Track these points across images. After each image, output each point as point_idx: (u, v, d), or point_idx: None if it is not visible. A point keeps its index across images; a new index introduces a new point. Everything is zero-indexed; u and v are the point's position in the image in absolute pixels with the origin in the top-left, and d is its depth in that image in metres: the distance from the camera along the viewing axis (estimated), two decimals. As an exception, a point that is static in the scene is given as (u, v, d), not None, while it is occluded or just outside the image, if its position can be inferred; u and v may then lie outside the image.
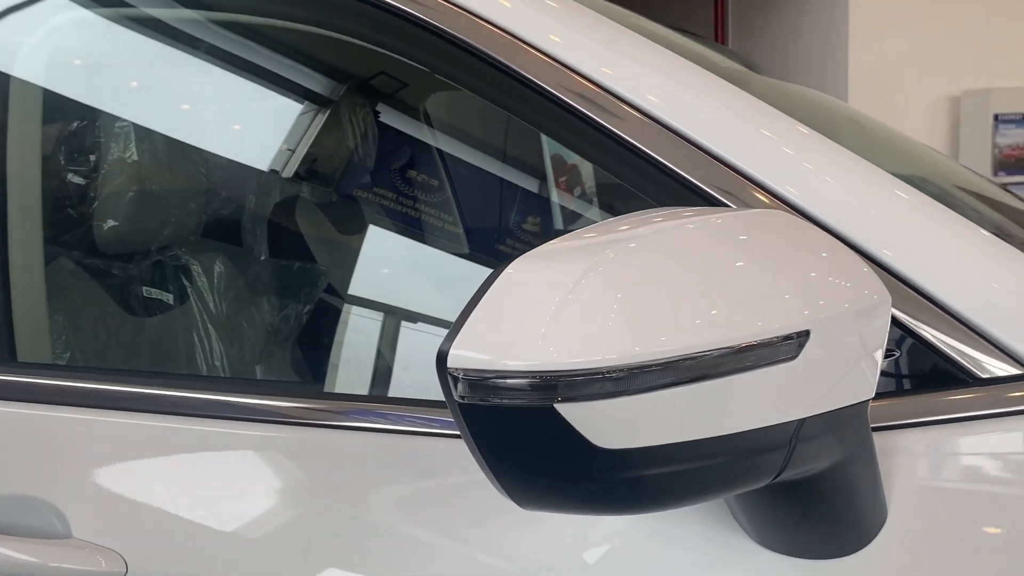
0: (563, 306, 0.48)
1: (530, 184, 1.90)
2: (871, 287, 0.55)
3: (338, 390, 1.27)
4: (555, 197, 2.00)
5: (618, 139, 0.74)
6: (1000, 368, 0.65)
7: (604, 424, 0.48)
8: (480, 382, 0.49)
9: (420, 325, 1.33)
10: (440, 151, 1.61)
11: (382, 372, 1.29)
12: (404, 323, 1.33)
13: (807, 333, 0.50)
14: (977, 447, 0.65)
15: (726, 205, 0.71)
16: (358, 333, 1.30)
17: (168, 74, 1.43)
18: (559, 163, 2.34)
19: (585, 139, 0.76)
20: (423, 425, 0.77)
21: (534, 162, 2.01)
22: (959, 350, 0.66)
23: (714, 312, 0.49)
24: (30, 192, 1.09)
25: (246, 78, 1.46)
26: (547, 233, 1.76)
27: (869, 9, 4.22)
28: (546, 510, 0.54)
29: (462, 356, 0.49)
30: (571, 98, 0.76)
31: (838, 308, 0.52)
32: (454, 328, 0.51)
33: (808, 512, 0.61)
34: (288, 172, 1.48)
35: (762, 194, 0.71)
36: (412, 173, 1.52)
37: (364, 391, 1.29)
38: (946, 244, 0.69)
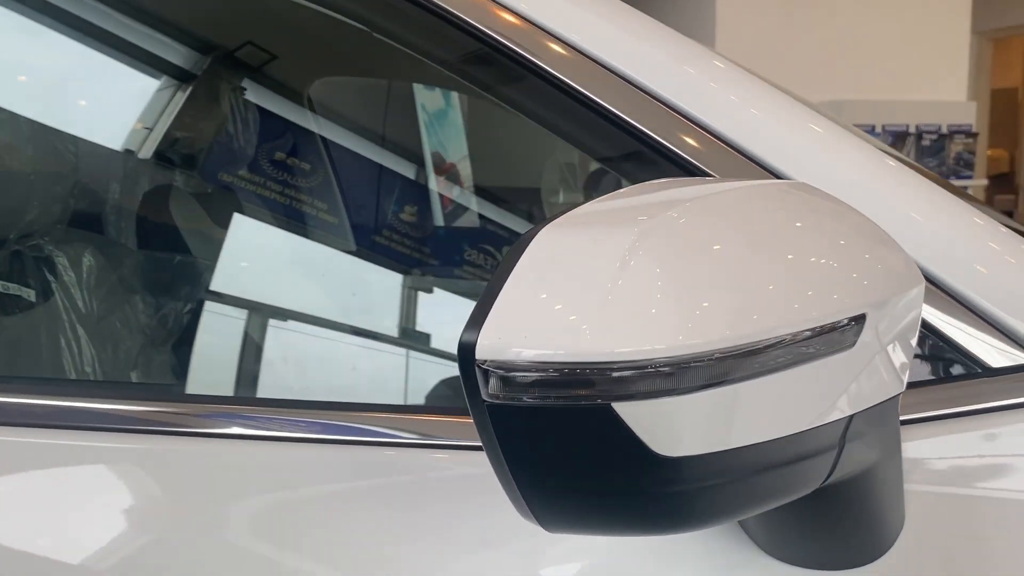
0: (615, 283, 0.40)
1: (409, 175, 1.82)
2: (909, 270, 0.50)
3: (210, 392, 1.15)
4: (434, 187, 1.93)
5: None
6: (1009, 356, 0.62)
7: (669, 426, 0.41)
8: (518, 377, 0.40)
9: (297, 322, 1.23)
10: (314, 133, 1.51)
11: (256, 372, 1.18)
12: (279, 320, 1.23)
13: (863, 318, 0.45)
14: (993, 442, 0.61)
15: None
16: (230, 332, 1.19)
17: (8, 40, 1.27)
18: (439, 161, 2.28)
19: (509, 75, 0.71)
20: (301, 430, 0.68)
21: (414, 155, 1.94)
22: (966, 337, 0.62)
23: (780, 293, 0.42)
24: None
25: (98, 48, 1.32)
26: (425, 225, 1.69)
27: (736, 9, 4.37)
28: (577, 531, 0.46)
29: (494, 346, 0.40)
30: (494, 30, 0.70)
31: (887, 291, 0.47)
32: (477, 313, 0.42)
33: (831, 519, 0.56)
34: (145, 153, 1.34)
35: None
36: (282, 156, 1.41)
37: (236, 392, 1.18)
38: (950, 225, 0.65)
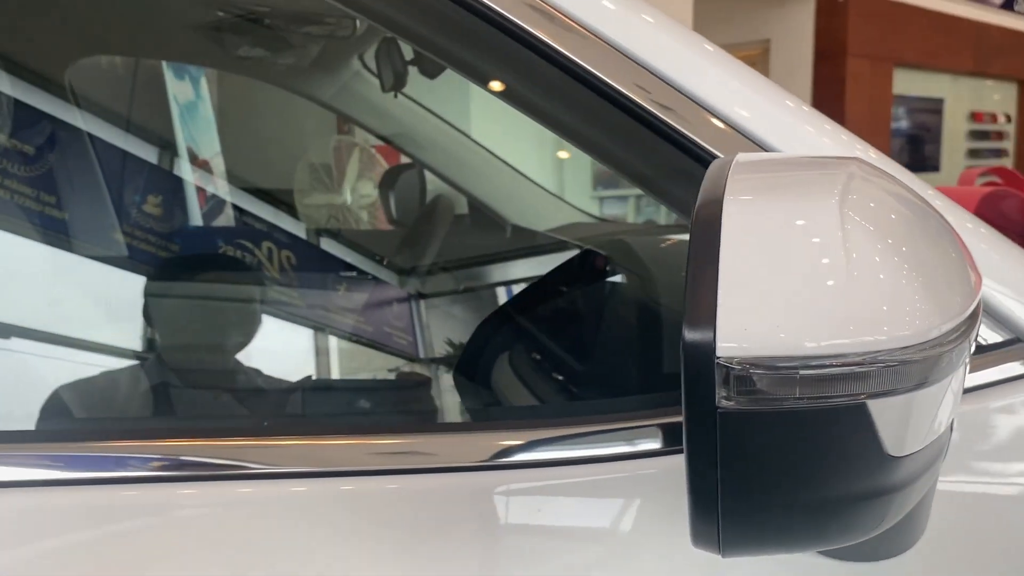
0: (848, 266, 0.36)
1: (155, 163, 1.63)
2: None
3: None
4: (189, 179, 1.75)
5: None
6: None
7: (905, 423, 0.38)
8: (766, 377, 0.35)
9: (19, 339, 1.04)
10: (41, 114, 1.28)
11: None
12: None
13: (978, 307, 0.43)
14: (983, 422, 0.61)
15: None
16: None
17: None
18: (192, 157, 2.09)
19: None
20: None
21: (164, 145, 1.75)
22: None
23: (961, 277, 0.41)
24: None
25: None
26: (171, 216, 1.51)
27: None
28: (760, 551, 0.41)
29: (741, 345, 0.35)
30: None
31: (982, 280, 0.47)
32: (697, 309, 0.36)
33: None
34: None
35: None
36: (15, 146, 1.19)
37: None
38: None
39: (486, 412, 0.91)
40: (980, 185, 2.08)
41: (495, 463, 0.57)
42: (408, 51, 1.49)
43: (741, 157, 0.48)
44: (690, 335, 0.37)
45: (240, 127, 2.45)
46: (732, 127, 0.63)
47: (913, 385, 0.37)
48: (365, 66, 1.74)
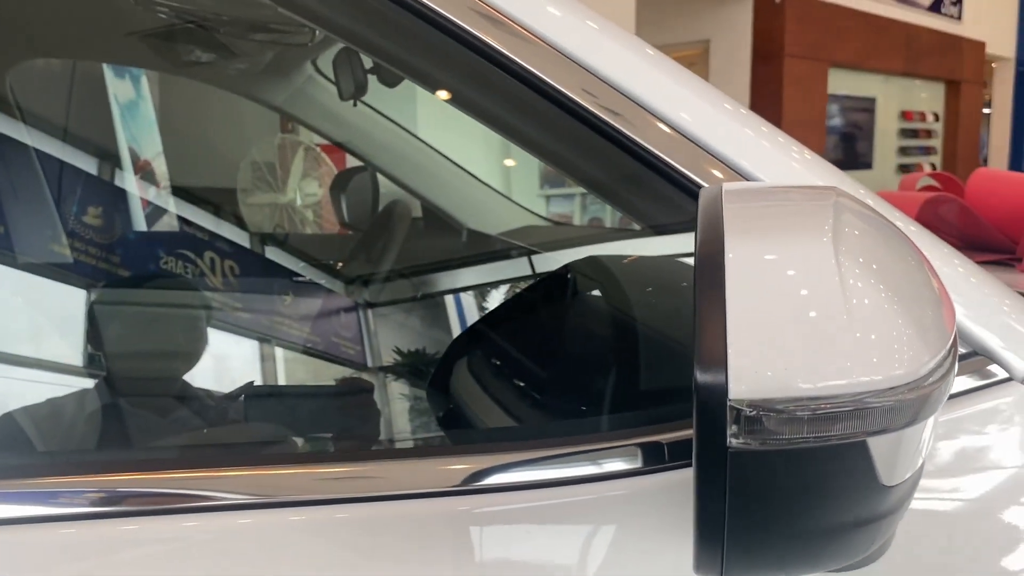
0: (848, 306, 0.38)
1: (94, 170, 1.57)
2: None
3: None
4: (129, 186, 1.70)
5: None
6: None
7: (897, 454, 0.40)
8: (775, 418, 0.37)
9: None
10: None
11: None
12: None
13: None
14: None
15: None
16: None
17: None
18: (134, 158, 2.04)
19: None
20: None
21: (104, 149, 1.69)
22: None
23: (944, 309, 0.43)
24: None
25: None
26: (111, 227, 1.47)
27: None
28: None
29: (753, 387, 0.37)
30: None
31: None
32: (708, 350, 0.38)
33: None
34: None
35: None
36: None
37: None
38: None
39: (450, 434, 0.90)
40: (920, 189, 2.15)
41: (459, 488, 0.57)
42: (368, 60, 1.46)
43: (729, 187, 0.50)
44: (702, 377, 0.38)
45: (182, 126, 2.39)
46: (677, 131, 0.64)
47: (907, 421, 0.40)
48: (319, 71, 1.71)
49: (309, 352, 1.31)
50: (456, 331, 1.39)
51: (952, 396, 0.64)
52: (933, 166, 9.00)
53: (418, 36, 0.63)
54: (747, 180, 0.65)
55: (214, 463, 0.57)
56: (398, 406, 1.18)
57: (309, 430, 0.95)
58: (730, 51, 6.84)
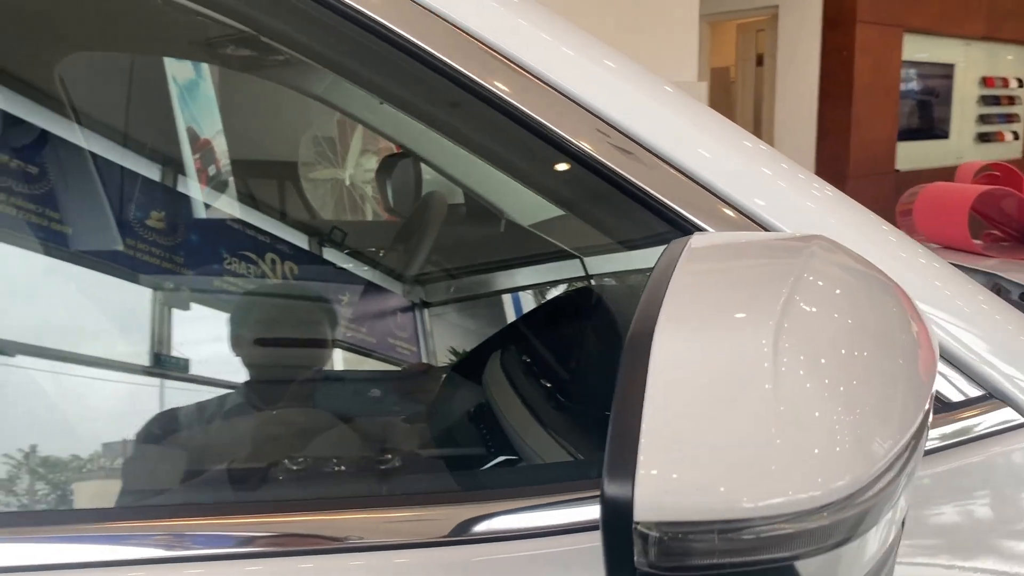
0: (777, 414, 0.34)
1: (158, 170, 1.62)
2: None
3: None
4: (190, 183, 1.74)
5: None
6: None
7: (836, 568, 0.36)
8: (691, 540, 0.33)
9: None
10: (44, 128, 1.28)
11: None
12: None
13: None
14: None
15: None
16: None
17: None
18: (194, 138, 2.08)
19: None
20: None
21: (166, 137, 1.74)
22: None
23: (904, 404, 0.38)
24: None
25: None
26: (174, 229, 1.52)
27: None
28: None
29: (657, 505, 0.33)
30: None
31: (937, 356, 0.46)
32: (617, 457, 0.34)
33: None
34: None
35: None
36: (3, 158, 1.19)
37: None
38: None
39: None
40: (977, 178, 2.07)
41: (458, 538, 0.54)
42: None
43: (697, 241, 0.47)
44: (609, 488, 0.35)
45: (243, 102, 2.43)
46: (686, 174, 0.63)
47: (844, 538, 0.36)
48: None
49: (365, 353, 1.32)
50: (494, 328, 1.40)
51: (962, 442, 0.61)
52: (1015, 135, 8.60)
53: (435, 87, 0.63)
54: (756, 223, 0.63)
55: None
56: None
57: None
58: (800, 17, 6.61)
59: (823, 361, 0.38)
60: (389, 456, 0.70)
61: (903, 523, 0.45)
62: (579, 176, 0.63)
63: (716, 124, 0.68)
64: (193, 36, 1.41)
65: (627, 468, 0.34)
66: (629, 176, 0.62)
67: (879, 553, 0.40)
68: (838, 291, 0.43)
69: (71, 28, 1.32)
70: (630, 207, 0.63)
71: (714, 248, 0.47)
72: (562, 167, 0.64)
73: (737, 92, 8.01)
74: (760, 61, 7.42)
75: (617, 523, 0.34)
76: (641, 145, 0.63)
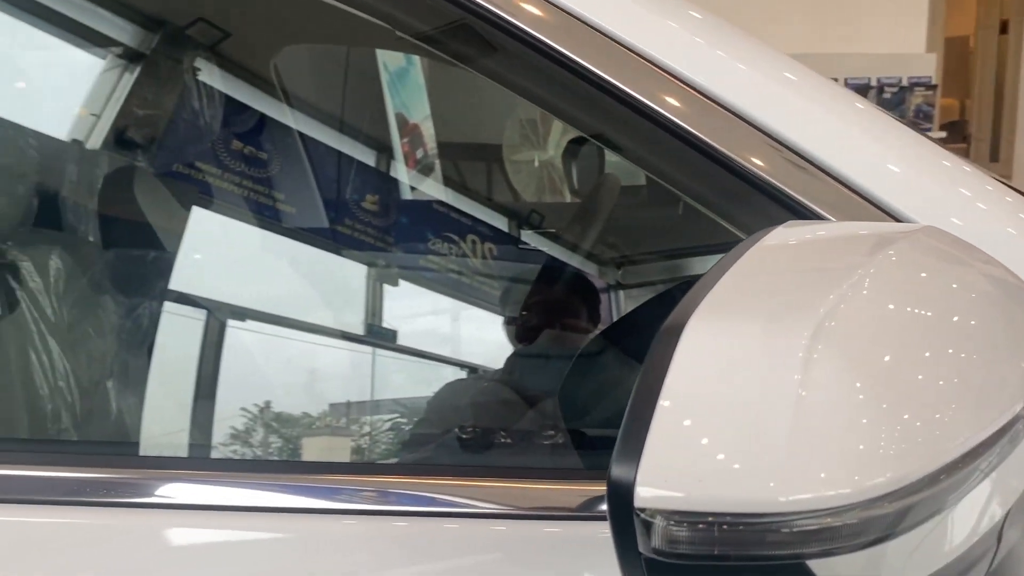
0: (799, 407, 0.33)
1: (371, 155, 1.73)
2: None
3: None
4: (400, 167, 1.84)
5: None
6: None
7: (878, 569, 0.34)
8: (693, 529, 0.33)
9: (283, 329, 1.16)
10: (270, 115, 1.40)
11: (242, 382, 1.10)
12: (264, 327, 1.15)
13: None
14: None
15: None
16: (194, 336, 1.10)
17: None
18: (402, 123, 2.18)
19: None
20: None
21: (376, 125, 1.84)
22: None
23: (963, 409, 0.36)
24: None
25: (38, 25, 1.19)
26: (388, 210, 1.61)
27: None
28: None
29: (658, 494, 0.33)
30: None
31: None
32: (626, 442, 0.34)
33: None
34: (94, 143, 1.23)
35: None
36: (239, 145, 1.31)
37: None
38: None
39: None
40: None
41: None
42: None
43: (777, 232, 0.44)
44: (615, 471, 0.35)
45: (450, 86, 2.52)
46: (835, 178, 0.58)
47: (869, 541, 0.34)
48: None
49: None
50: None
51: None
52: None
53: (600, 106, 0.62)
54: (895, 218, 0.56)
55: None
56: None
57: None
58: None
59: (868, 356, 0.35)
60: (553, 432, 0.71)
61: (1000, 534, 0.41)
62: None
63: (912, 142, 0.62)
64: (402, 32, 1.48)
65: (634, 453, 0.34)
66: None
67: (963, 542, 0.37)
68: (912, 285, 0.40)
69: (291, 22, 1.43)
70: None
71: (794, 238, 0.45)
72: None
73: (976, 64, 7.32)
74: (1004, 28, 6.72)
75: (620, 507, 0.34)
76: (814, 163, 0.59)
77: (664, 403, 0.35)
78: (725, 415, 0.35)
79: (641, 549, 0.35)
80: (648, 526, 0.34)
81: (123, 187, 1.18)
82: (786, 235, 0.45)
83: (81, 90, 1.24)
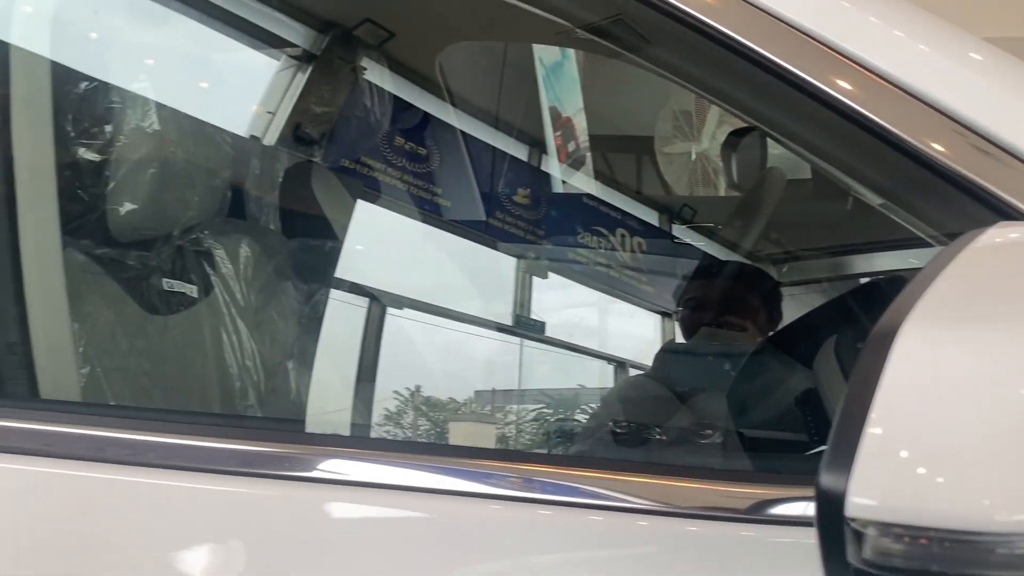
0: (1018, 422, 0.32)
1: (523, 152, 1.75)
2: None
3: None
4: (551, 161, 1.85)
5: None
6: None
7: None
8: (912, 544, 0.32)
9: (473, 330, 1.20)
10: (432, 114, 1.45)
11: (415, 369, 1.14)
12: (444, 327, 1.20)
13: None
14: None
15: None
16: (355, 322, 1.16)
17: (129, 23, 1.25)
18: (555, 116, 2.19)
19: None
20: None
21: (530, 123, 1.86)
22: None
23: None
24: (44, 179, 0.85)
25: (216, 27, 1.28)
26: (536, 205, 1.62)
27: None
28: None
29: (871, 505, 0.33)
30: None
31: None
32: (838, 448, 0.34)
33: None
34: (270, 139, 1.31)
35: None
36: (401, 141, 1.37)
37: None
38: None
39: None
40: None
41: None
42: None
43: (992, 232, 0.41)
44: (824, 479, 0.34)
45: (605, 79, 2.50)
46: None
47: None
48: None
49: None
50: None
51: None
52: None
53: (783, 97, 0.61)
54: None
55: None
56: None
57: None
58: None
59: None
60: (710, 431, 0.69)
61: None
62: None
63: None
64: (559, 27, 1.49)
65: (845, 462, 0.33)
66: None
67: None
68: None
69: (457, 21, 1.47)
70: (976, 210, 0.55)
71: (1010, 241, 0.41)
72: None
73: None
74: None
75: (830, 517, 0.33)
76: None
77: (876, 415, 0.34)
78: (946, 430, 0.34)
79: (850, 559, 0.34)
80: (859, 536, 0.34)
81: (303, 181, 1.26)
82: (1002, 236, 0.42)
83: (258, 89, 1.33)
